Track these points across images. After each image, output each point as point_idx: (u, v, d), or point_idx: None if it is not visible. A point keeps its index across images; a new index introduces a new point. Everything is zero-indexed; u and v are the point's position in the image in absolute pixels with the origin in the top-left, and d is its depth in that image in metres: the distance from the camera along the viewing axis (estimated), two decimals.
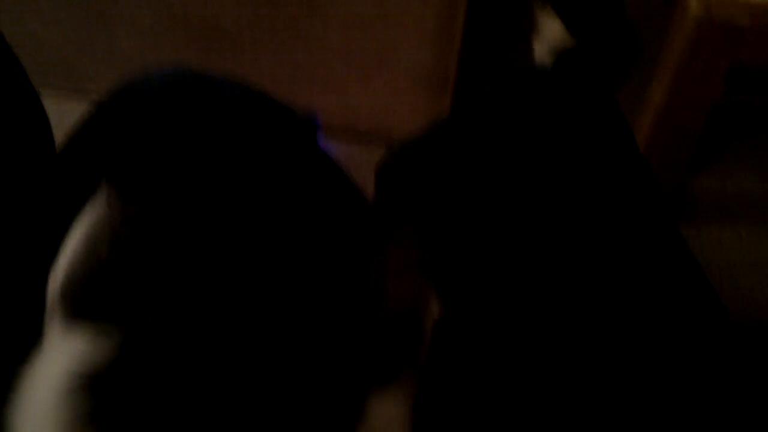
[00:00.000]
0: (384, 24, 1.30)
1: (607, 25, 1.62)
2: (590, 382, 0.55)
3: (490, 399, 0.55)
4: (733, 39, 1.06)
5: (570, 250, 0.58)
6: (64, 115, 1.50)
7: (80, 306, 0.43)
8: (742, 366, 0.57)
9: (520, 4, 1.79)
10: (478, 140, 0.64)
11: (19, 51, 1.51)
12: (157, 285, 0.43)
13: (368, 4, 1.28)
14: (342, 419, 0.43)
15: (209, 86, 0.64)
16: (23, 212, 0.59)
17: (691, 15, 1.06)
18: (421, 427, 0.48)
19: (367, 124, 1.47)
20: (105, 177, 0.50)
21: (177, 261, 0.45)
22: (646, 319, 0.57)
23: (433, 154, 0.68)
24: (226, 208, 0.52)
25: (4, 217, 0.58)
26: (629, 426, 0.53)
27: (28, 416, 0.38)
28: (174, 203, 0.50)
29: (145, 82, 0.63)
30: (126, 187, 0.49)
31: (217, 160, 0.57)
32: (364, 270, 0.54)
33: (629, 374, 0.55)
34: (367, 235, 0.63)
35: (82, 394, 0.37)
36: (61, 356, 0.40)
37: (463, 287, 0.59)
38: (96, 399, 0.37)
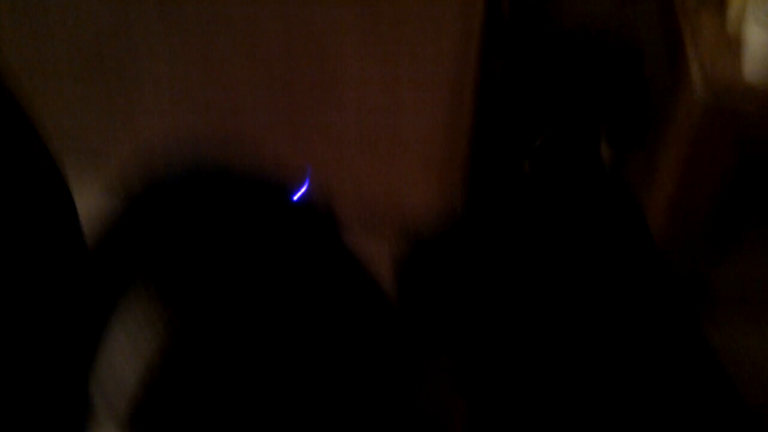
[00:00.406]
0: (397, 111, 1.33)
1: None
2: None
3: None
4: (740, 125, 1.07)
5: (590, 352, 0.58)
6: (84, 200, 1.54)
7: (135, 419, 0.44)
8: None
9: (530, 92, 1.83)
10: (493, 235, 0.65)
11: (48, 139, 1.56)
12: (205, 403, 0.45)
13: (382, 93, 1.31)
14: None
15: (231, 179, 0.66)
16: (55, 304, 0.60)
17: (698, 100, 1.08)
18: None
19: (382, 211, 1.49)
20: (142, 277, 0.51)
21: (219, 374, 0.46)
22: (666, 415, 0.57)
23: (450, 251, 0.69)
24: (254, 314, 0.53)
25: (38, 310, 0.59)
26: None
27: None
28: (207, 305, 0.52)
29: (170, 176, 0.65)
30: (162, 288, 0.51)
31: (242, 258, 0.58)
32: (391, 374, 0.55)
33: None
34: (393, 338, 0.64)
35: None
36: None
37: (492, 390, 0.59)
38: None
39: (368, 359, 0.55)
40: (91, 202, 1.58)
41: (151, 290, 0.50)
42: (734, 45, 1.13)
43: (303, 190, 0.70)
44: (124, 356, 0.47)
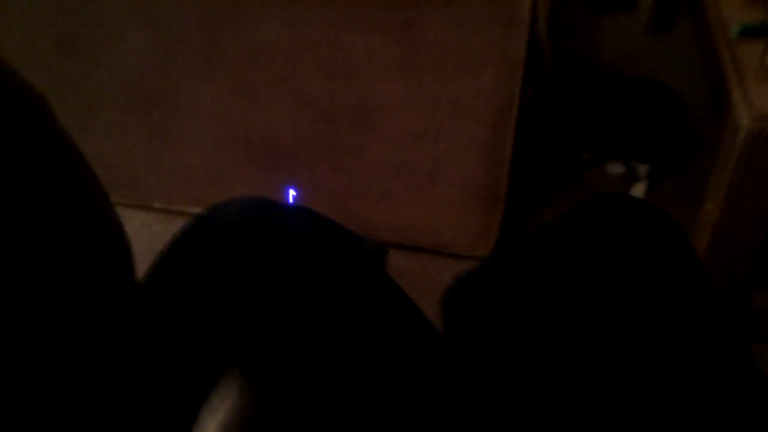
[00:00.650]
0: (435, 138, 1.34)
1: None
2: None
3: None
4: None
5: (639, 379, 0.57)
6: (131, 227, 1.56)
7: None
8: None
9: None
10: (540, 268, 0.65)
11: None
12: None
13: (420, 120, 1.32)
14: None
15: (283, 217, 0.66)
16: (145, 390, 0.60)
17: (743, 128, 1.06)
18: None
19: (421, 238, 1.48)
20: (238, 367, 0.53)
21: None
22: None
23: (498, 285, 0.68)
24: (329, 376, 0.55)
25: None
26: None
27: None
28: (289, 386, 0.54)
29: (219, 217, 0.66)
30: (252, 378, 0.52)
31: (291, 294, 0.60)
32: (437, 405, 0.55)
33: None
34: (439, 367, 0.64)
35: None
36: None
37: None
38: None
39: (419, 390, 0.55)
40: (134, 229, 1.61)
41: (242, 381, 0.51)
42: None
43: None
44: None
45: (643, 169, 1.68)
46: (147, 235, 1.50)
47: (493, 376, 0.64)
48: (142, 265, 0.66)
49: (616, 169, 1.79)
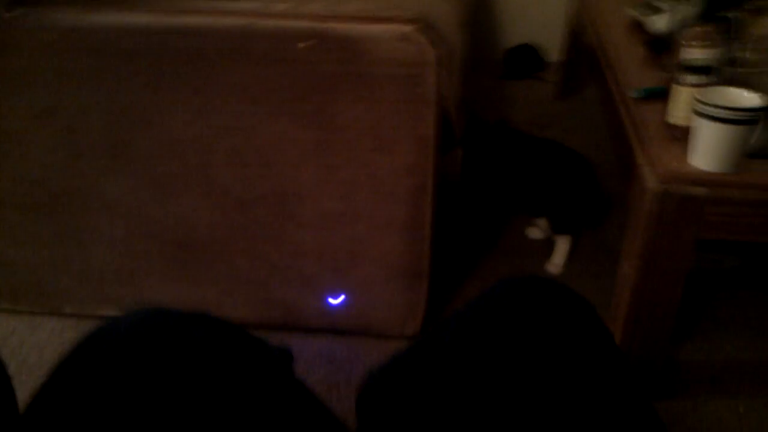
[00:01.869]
0: (354, 220, 1.33)
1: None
2: None
3: None
4: (693, 211, 1.09)
5: None
6: (37, 336, 1.47)
7: None
8: None
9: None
10: (454, 357, 0.64)
11: None
12: None
13: (337, 202, 1.31)
14: None
15: (179, 328, 0.63)
16: None
17: (649, 189, 1.09)
18: None
19: (347, 321, 1.45)
20: None
21: None
22: None
23: (411, 378, 0.67)
24: None
25: None
26: None
27: None
28: None
29: (111, 332, 0.62)
30: None
31: (193, 406, 0.57)
32: None
33: None
34: None
35: None
36: None
37: None
38: None
39: None
40: (44, 338, 1.52)
41: None
42: (677, 134, 1.16)
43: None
44: None
45: (561, 239, 1.72)
46: (59, 343, 1.41)
47: None
48: None
49: (535, 234, 1.82)
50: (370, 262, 1.38)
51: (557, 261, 1.71)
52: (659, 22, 1.60)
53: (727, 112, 1.02)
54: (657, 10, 1.65)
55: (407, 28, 1.14)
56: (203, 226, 1.37)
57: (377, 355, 0.74)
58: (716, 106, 1.02)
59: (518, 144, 1.88)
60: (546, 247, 1.74)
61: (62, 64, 1.22)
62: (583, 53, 2.23)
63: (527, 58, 2.98)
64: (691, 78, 1.13)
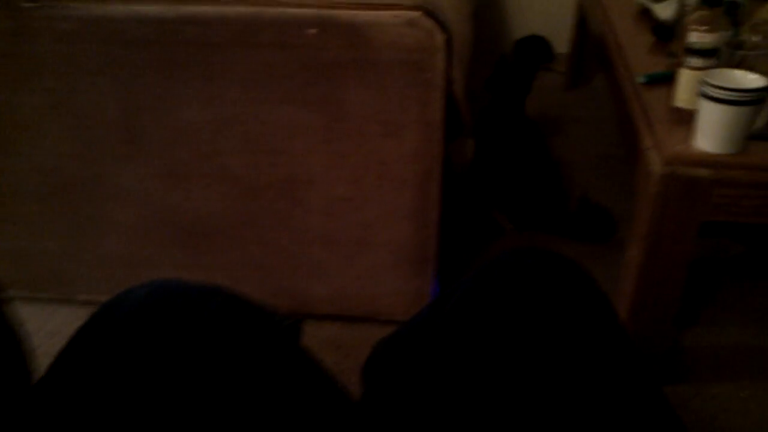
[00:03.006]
0: (362, 206, 1.34)
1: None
2: None
3: None
4: (698, 193, 1.10)
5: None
6: (54, 323, 1.50)
7: None
8: None
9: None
10: (456, 327, 0.65)
11: (8, 263, 1.54)
12: None
13: (346, 188, 1.33)
14: None
15: (190, 298, 0.65)
16: None
17: (655, 172, 1.10)
18: None
19: (355, 307, 1.47)
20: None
21: None
22: None
23: (414, 347, 0.68)
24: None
25: None
26: None
27: None
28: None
29: (125, 302, 0.64)
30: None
31: (201, 375, 0.59)
32: None
33: None
34: None
35: None
36: None
37: None
38: None
39: None
40: (58, 325, 1.54)
41: None
42: (683, 117, 1.17)
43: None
44: None
45: None
46: (72, 330, 1.43)
47: None
48: None
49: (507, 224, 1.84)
50: (378, 247, 1.40)
51: None
52: (666, 9, 1.61)
53: (731, 93, 1.03)
54: None
55: (414, 14, 1.15)
56: (214, 213, 1.39)
57: None
58: (720, 88, 1.03)
59: (507, 134, 1.91)
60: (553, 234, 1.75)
61: (77, 54, 1.24)
62: (592, 43, 2.24)
63: (536, 49, 2.98)
64: (696, 61, 1.14)
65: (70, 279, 1.51)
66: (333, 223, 1.37)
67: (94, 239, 1.45)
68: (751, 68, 1.12)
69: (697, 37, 1.18)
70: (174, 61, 1.23)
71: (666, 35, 1.55)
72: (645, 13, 1.79)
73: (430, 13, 1.16)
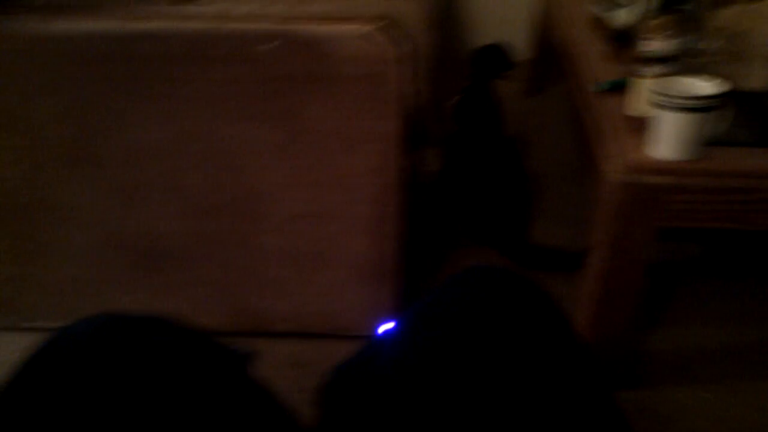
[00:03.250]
0: (322, 221, 1.33)
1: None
2: None
3: None
4: (656, 200, 1.10)
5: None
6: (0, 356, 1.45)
7: None
8: None
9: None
10: (413, 351, 0.64)
11: None
12: None
13: (305, 204, 1.31)
14: None
15: (135, 330, 0.63)
16: None
17: (613, 180, 1.11)
18: None
19: (316, 323, 1.45)
20: None
21: None
22: None
23: (370, 373, 0.67)
24: None
25: None
26: None
27: None
28: None
29: (70, 336, 0.62)
30: None
31: (148, 410, 0.57)
32: None
33: None
34: None
35: None
36: None
37: None
38: None
39: None
40: (4, 356, 1.50)
41: None
42: (639, 125, 1.18)
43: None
44: None
45: None
46: (17, 360, 1.39)
47: None
48: None
49: None
50: (338, 263, 1.38)
51: None
52: (620, 17, 1.63)
53: (683, 100, 1.04)
54: (617, 5, 1.67)
55: (368, 28, 1.15)
56: (171, 234, 1.37)
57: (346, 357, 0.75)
58: (673, 96, 1.04)
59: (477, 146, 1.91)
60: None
61: (25, 73, 1.21)
62: (550, 51, 2.26)
63: (496, 57, 3.00)
64: (649, 69, 1.15)
65: (19, 307, 1.46)
66: (292, 240, 1.36)
67: (44, 264, 1.41)
68: (709, 75, 1.13)
69: (649, 45, 1.20)
70: (129, 78, 1.21)
71: (621, 42, 1.56)
72: (600, 22, 1.81)
73: (387, 27, 1.16)
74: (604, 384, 0.64)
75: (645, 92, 1.16)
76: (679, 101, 1.04)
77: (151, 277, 1.41)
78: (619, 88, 1.33)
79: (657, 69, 1.15)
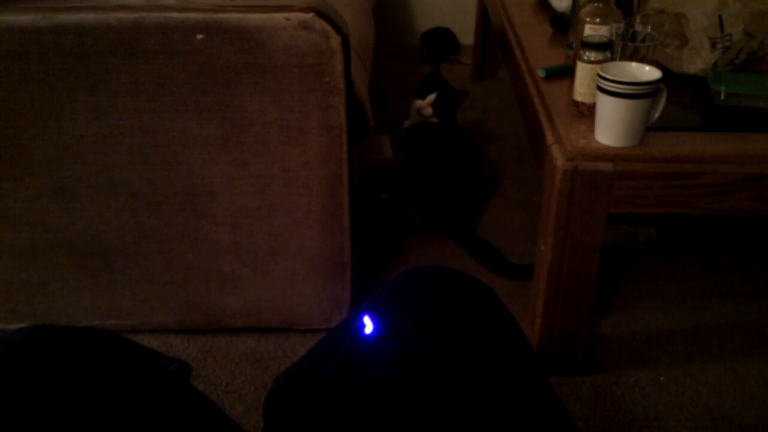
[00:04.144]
0: (270, 214, 1.30)
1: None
2: None
3: None
4: (602, 186, 1.10)
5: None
6: None
7: None
8: None
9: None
10: (357, 356, 0.63)
11: None
12: None
13: (251, 197, 1.28)
14: None
15: (68, 343, 0.60)
16: None
17: (558, 168, 1.10)
18: None
19: (272, 318, 1.42)
20: None
21: None
22: None
23: (315, 380, 0.65)
24: None
25: None
26: None
27: None
28: None
29: None
30: None
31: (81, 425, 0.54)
32: None
33: None
34: None
35: None
36: None
37: None
38: None
39: None
40: None
41: None
42: (583, 111, 1.17)
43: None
44: None
45: None
46: None
47: None
48: None
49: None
50: (291, 256, 1.35)
51: None
52: (562, 1, 1.62)
53: (627, 86, 1.03)
54: None
55: (307, 15, 1.11)
56: (112, 231, 1.32)
57: (305, 349, 0.72)
58: (616, 82, 1.03)
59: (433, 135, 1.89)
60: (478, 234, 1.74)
61: None
62: (495, 34, 2.25)
63: (443, 41, 2.98)
64: (592, 54, 1.14)
65: None
66: (241, 234, 1.32)
67: None
68: (647, 60, 1.13)
69: (591, 30, 1.19)
70: (53, 73, 1.15)
71: (564, 26, 1.55)
72: (543, 5, 1.80)
73: (323, 15, 1.12)
74: (542, 374, 0.65)
75: (589, 77, 1.15)
76: (623, 87, 1.03)
77: (98, 276, 1.36)
78: (564, 73, 1.32)
79: (599, 54, 1.14)
